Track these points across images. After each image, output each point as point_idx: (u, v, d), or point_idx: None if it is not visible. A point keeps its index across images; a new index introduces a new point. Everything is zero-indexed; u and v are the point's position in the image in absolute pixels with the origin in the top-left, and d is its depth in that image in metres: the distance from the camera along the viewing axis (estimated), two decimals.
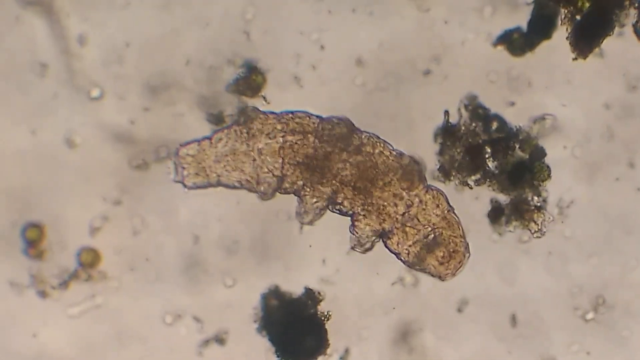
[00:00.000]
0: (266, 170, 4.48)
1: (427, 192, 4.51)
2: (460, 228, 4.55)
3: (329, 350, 4.66)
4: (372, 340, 4.75)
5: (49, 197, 4.63)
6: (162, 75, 4.62)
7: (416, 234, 4.51)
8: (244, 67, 4.60)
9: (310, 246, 4.67)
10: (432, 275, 4.58)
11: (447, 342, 4.75)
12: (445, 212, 4.52)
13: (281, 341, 4.64)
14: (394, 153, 4.50)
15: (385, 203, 4.48)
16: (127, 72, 4.61)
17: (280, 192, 4.52)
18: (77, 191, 4.64)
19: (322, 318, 4.64)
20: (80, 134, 4.62)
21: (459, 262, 4.56)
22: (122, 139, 4.62)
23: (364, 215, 4.49)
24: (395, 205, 4.48)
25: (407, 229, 4.50)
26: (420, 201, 4.49)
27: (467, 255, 4.57)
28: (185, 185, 4.54)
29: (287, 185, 4.49)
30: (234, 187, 4.54)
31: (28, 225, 4.63)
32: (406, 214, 4.49)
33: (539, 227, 4.64)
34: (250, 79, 4.60)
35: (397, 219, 4.49)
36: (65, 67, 4.58)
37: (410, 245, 4.52)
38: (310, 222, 4.56)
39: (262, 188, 4.50)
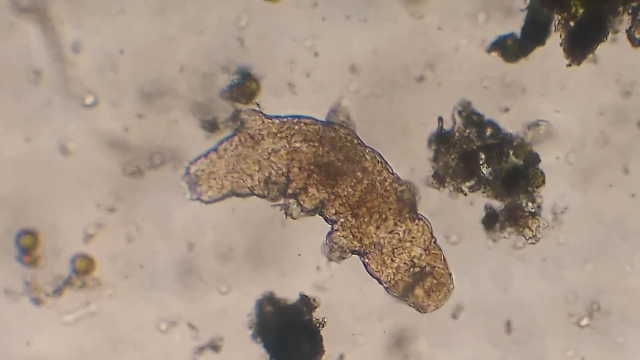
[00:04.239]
0: (274, 174, 4.48)
1: (415, 221, 4.51)
2: (444, 259, 4.54)
3: (323, 357, 4.65)
4: (367, 346, 4.75)
5: (43, 204, 4.62)
6: (156, 82, 4.62)
7: (397, 262, 4.51)
8: (238, 73, 4.61)
9: (299, 255, 4.67)
10: (413, 307, 4.58)
11: (442, 348, 4.75)
12: (429, 243, 4.52)
13: (276, 348, 4.63)
14: (392, 177, 4.51)
15: (369, 222, 4.48)
16: (121, 79, 4.62)
17: (284, 197, 4.53)
18: (71, 198, 4.63)
19: (317, 325, 4.63)
20: (74, 141, 4.61)
21: (444, 295, 4.56)
22: (116, 146, 4.62)
23: (343, 227, 4.49)
24: (377, 227, 4.48)
25: (384, 256, 4.50)
26: (406, 230, 4.50)
27: (452, 287, 4.57)
28: (202, 201, 4.54)
29: (291, 189, 4.49)
30: (247, 195, 4.54)
31: (22, 232, 4.62)
32: (388, 239, 4.49)
33: (534, 233, 4.64)
34: (245, 86, 4.60)
35: (376, 241, 4.49)
36: (59, 74, 4.58)
37: (392, 272, 4.52)
38: (297, 218, 4.57)
39: (270, 192, 4.51)
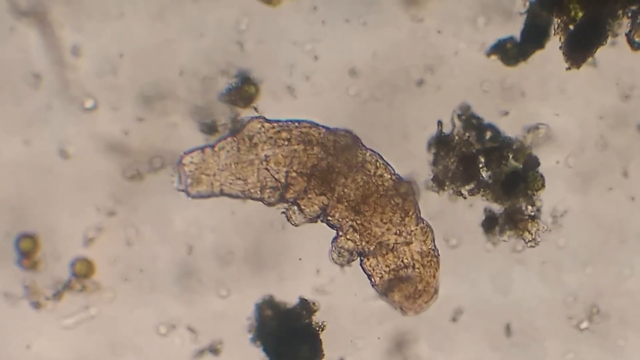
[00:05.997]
0: (271, 179, 4.48)
1: (417, 224, 4.51)
2: (438, 269, 4.55)
3: None
4: (366, 350, 4.74)
5: (43, 208, 4.62)
6: (156, 86, 4.62)
7: (393, 263, 4.51)
8: (237, 77, 4.61)
9: (300, 259, 4.67)
10: (394, 307, 4.58)
11: (442, 352, 4.75)
12: (429, 249, 4.53)
13: (275, 351, 4.63)
14: (394, 177, 4.51)
15: (373, 224, 4.47)
16: (121, 83, 4.62)
17: (283, 202, 4.52)
18: (70, 202, 4.63)
19: (317, 328, 4.63)
20: (74, 145, 4.61)
21: (425, 302, 4.56)
22: (116, 150, 4.62)
23: (349, 231, 4.49)
24: (382, 228, 4.48)
25: (387, 255, 4.50)
26: (408, 232, 4.50)
27: (435, 297, 4.57)
28: (188, 194, 4.53)
29: (291, 194, 4.49)
30: (237, 197, 4.54)
31: (22, 236, 4.62)
32: (391, 241, 4.49)
33: (533, 237, 4.64)
34: (243, 90, 4.60)
35: (380, 242, 4.49)
36: (59, 77, 4.58)
37: (384, 271, 4.53)
38: (299, 225, 4.55)
39: (266, 197, 4.50)
